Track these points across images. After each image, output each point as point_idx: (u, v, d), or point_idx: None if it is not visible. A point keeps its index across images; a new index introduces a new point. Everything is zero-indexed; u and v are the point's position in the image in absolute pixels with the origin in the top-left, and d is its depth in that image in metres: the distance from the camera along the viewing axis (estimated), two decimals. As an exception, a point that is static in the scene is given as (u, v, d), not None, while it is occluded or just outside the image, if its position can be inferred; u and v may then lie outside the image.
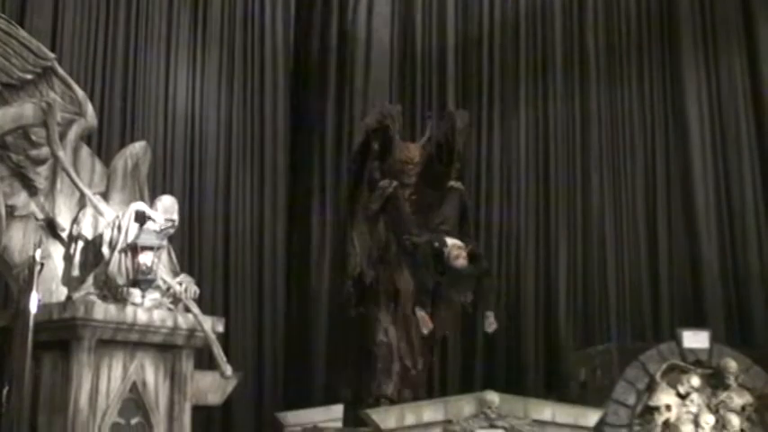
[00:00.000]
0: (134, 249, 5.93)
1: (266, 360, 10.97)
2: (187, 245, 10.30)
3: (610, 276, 10.66)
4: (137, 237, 5.97)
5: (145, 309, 6.22)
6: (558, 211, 10.98)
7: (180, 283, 6.41)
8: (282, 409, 10.21)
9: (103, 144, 9.50)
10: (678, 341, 8.20)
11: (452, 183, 7.66)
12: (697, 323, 9.27)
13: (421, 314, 7.05)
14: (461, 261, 7.00)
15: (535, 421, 6.87)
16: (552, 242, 10.90)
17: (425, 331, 7.19)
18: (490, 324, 6.99)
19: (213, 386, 7.23)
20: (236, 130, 11.09)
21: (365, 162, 7.88)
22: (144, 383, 6.33)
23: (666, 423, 7.89)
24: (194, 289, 6.47)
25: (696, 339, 8.20)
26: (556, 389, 9.73)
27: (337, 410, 8.91)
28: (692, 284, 10.56)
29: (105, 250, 6.07)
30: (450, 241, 7.10)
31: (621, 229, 10.90)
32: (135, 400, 6.29)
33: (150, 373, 6.40)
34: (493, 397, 6.76)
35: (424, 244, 7.17)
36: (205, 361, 7.06)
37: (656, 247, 10.82)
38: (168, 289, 6.41)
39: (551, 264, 10.80)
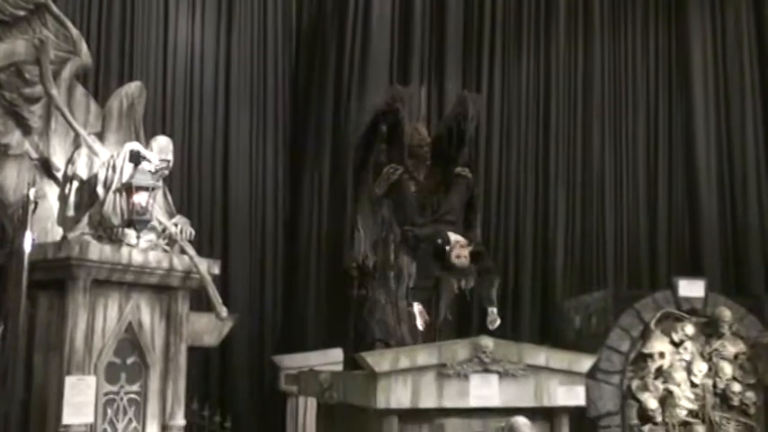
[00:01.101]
0: (129, 189, 5.89)
1: (266, 303, 10.93)
2: (186, 186, 10.23)
3: (608, 226, 10.66)
4: (131, 177, 5.93)
5: (140, 250, 6.21)
6: (558, 160, 10.92)
7: (175, 225, 6.40)
8: (281, 352, 10.28)
9: (101, 85, 9.35)
10: (674, 289, 8.23)
11: (460, 170, 7.50)
12: (694, 273, 9.30)
13: (418, 308, 7.03)
14: (462, 261, 6.95)
15: (529, 366, 6.88)
16: (551, 191, 10.86)
17: (420, 326, 7.16)
18: (493, 321, 6.97)
19: (209, 327, 7.26)
20: (236, 70, 10.87)
21: (372, 145, 7.73)
22: (140, 324, 6.35)
23: (659, 370, 7.96)
24: (189, 230, 6.45)
25: (691, 288, 8.23)
26: (551, 335, 9.79)
27: (335, 354, 8.96)
28: (690, 235, 10.57)
29: (100, 190, 6.04)
30: (453, 238, 6.99)
31: (621, 180, 10.87)
32: (131, 341, 6.31)
33: (146, 313, 6.42)
34: (487, 342, 6.77)
35: (426, 239, 7.09)
36: (201, 303, 7.08)
37: (656, 198, 10.80)
38: (164, 230, 6.39)
39: (549, 212, 10.77)
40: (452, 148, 7.58)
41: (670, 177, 10.81)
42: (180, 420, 6.51)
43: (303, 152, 11.43)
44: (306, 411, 9.58)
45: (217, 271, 6.81)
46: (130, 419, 6.27)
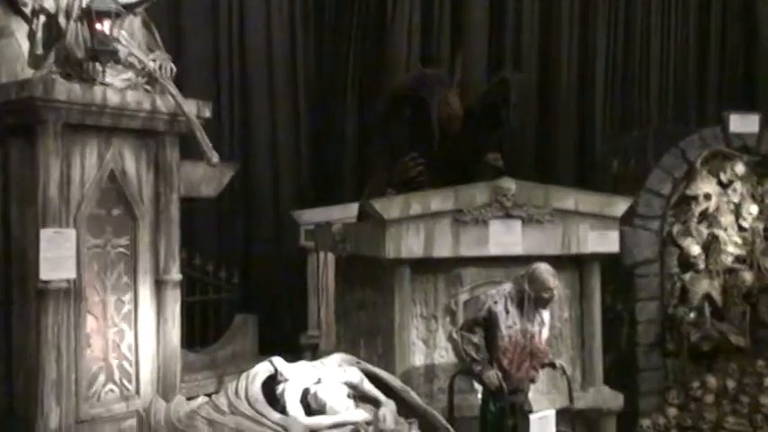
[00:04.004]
0: (89, 16, 5.18)
1: (291, 156, 10.34)
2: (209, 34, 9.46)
3: (653, 56, 9.77)
4: (91, 1, 5.21)
5: (116, 89, 5.57)
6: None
7: (153, 60, 5.70)
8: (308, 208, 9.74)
9: None
10: (724, 125, 7.37)
11: (491, 158, 6.82)
12: (748, 108, 8.40)
13: None
14: None
15: (556, 210, 6.24)
16: (591, 16, 9.88)
17: None
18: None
19: (206, 177, 6.78)
20: None
21: (392, 127, 6.92)
22: (123, 172, 5.79)
23: (704, 213, 7.22)
24: (170, 66, 5.76)
25: (744, 123, 7.36)
26: (588, 181, 9.09)
27: (356, 208, 8.39)
28: (745, 65, 9.64)
29: (62, 20, 5.35)
30: None
31: (669, 4, 9.84)
32: (115, 191, 5.77)
33: (130, 161, 5.85)
34: (509, 184, 6.12)
35: None
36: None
37: (708, 26, 9.84)
38: (144, 68, 5.72)
39: (588, 41, 9.82)
40: (484, 126, 6.83)
41: (724, 4, 9.77)
42: (175, 275, 6.05)
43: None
44: (326, 267, 9.20)
45: (208, 114, 6.18)
46: (120, 274, 5.81)
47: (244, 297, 9.47)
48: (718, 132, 7.33)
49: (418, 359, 6.19)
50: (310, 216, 9.40)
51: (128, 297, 5.86)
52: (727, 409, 6.85)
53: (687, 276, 7.17)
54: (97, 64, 5.39)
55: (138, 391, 5.90)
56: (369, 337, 6.82)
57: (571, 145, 10.01)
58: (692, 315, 7.13)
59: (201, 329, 7.22)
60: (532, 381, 5.49)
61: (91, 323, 5.63)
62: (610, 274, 7.44)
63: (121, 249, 5.82)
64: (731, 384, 6.93)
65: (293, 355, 9.00)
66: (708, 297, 7.14)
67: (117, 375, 5.79)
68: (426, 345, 6.24)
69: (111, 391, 5.76)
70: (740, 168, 7.23)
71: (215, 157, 5.88)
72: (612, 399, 6.45)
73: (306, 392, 4.51)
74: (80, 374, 5.52)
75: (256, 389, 4.46)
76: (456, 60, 7.79)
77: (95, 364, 5.65)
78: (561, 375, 5.78)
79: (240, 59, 9.93)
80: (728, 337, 7.04)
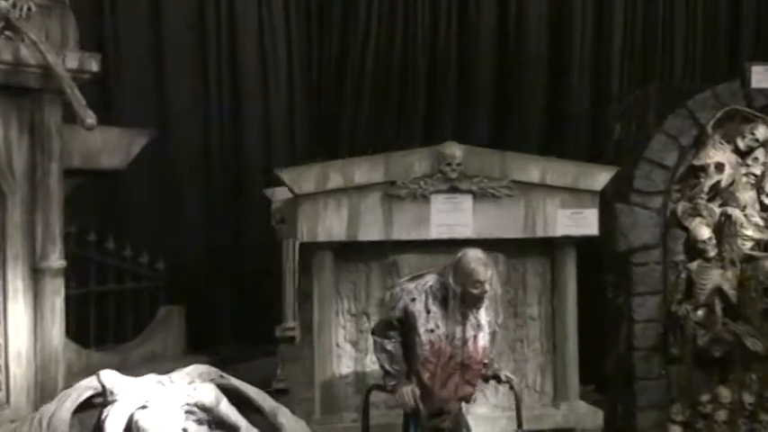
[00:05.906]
0: None
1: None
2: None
3: (678, 5, 8.39)
4: None
5: (-36, 36, 4.58)
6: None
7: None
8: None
9: None
10: (744, 79, 5.97)
11: None
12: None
13: None
14: None
15: (516, 183, 5.05)
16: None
17: None
18: None
19: (110, 146, 5.75)
20: None
21: None
22: (-14, 139, 4.81)
23: (716, 188, 5.84)
24: (27, 5, 4.72)
25: (769, 76, 5.94)
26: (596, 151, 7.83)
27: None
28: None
29: None
30: None
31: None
32: (-25, 161, 4.80)
33: (-5, 125, 4.86)
34: (453, 150, 4.95)
35: None
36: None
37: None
38: None
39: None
40: None
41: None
42: (55, 262, 5.05)
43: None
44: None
45: (95, 68, 5.15)
46: (-16, 261, 4.86)
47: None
48: (737, 88, 5.94)
49: (345, 365, 5.12)
50: (282, 193, 8.41)
51: (-6, 288, 4.91)
52: (743, 428, 5.60)
53: (694, 265, 5.82)
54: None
55: (8, 400, 4.96)
56: (309, 333, 5.76)
57: (584, 109, 8.77)
58: (700, 313, 5.79)
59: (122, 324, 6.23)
60: (465, 400, 4.32)
61: (-56, 319, 4.69)
62: (610, 263, 6.21)
63: (-15, 230, 4.87)
64: (748, 398, 5.66)
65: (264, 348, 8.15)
66: (719, 291, 5.76)
67: (-20, 382, 4.86)
68: (356, 348, 5.16)
69: (-28, 401, 4.83)
70: (762, 132, 5.83)
71: (89, 118, 4.83)
72: (590, 416, 5.25)
73: (131, 419, 3.46)
74: (-75, 382, 4.60)
75: (64, 415, 3.44)
76: None
77: (-50, 369, 4.73)
78: (510, 390, 4.59)
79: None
80: (744, 340, 5.70)
